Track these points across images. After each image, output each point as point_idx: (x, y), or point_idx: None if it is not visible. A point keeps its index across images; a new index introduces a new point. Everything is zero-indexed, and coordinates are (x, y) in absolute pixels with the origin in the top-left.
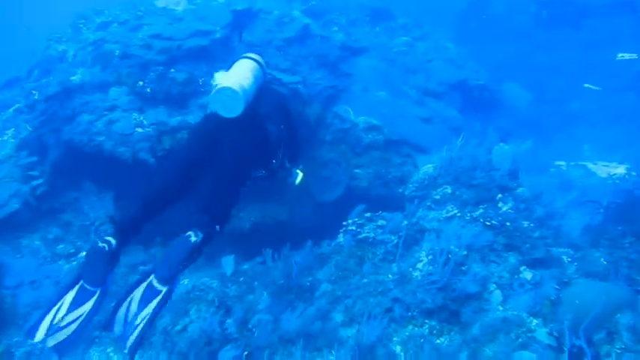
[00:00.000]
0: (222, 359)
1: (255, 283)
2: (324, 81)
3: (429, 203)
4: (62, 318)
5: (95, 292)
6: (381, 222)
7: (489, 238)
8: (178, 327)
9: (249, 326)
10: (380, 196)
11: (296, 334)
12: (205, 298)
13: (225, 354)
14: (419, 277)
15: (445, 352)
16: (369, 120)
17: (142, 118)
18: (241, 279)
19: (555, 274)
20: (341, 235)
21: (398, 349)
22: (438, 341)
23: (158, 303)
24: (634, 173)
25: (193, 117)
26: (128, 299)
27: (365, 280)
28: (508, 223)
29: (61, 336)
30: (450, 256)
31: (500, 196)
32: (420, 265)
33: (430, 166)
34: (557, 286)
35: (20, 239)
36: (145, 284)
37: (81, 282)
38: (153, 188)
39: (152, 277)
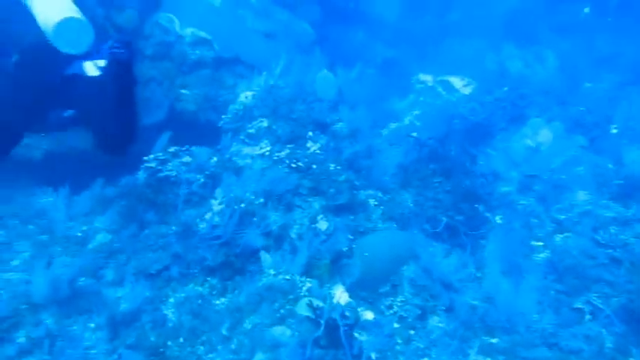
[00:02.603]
0: None
1: (18, 230)
2: None
3: (242, 137)
4: None
5: None
6: (186, 158)
7: (294, 181)
8: None
9: None
10: (211, 122)
11: (49, 299)
12: None
13: None
14: (204, 230)
15: (211, 320)
16: (197, 33)
17: None
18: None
19: (353, 222)
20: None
21: (169, 313)
22: (218, 302)
23: None
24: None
25: None
26: None
27: (146, 232)
28: (314, 166)
29: None
30: (238, 206)
31: (311, 134)
32: (208, 215)
33: (249, 93)
34: (350, 236)
35: None
36: None
37: None
38: None
39: None
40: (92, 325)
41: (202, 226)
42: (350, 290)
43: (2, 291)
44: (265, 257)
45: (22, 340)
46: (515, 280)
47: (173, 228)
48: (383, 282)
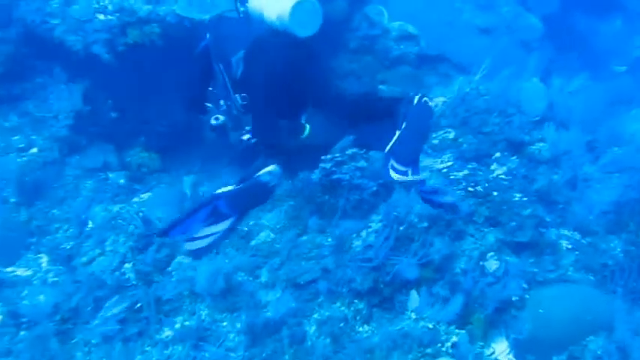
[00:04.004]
0: (107, 311)
1: None
2: None
3: (424, 147)
4: (198, 230)
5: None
6: (362, 163)
7: (467, 207)
8: (85, 258)
9: (170, 269)
10: None
11: (207, 290)
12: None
13: (109, 307)
14: (358, 248)
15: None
16: (404, 27)
17: (107, 1)
18: None
19: (533, 266)
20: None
21: (311, 330)
22: (361, 329)
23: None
24: None
25: (165, 9)
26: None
27: (305, 238)
28: (495, 193)
29: (196, 245)
30: (397, 227)
31: (498, 154)
32: (364, 233)
33: (440, 99)
34: (525, 285)
35: None
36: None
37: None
38: None
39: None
40: (238, 325)
41: (357, 243)
42: (514, 349)
43: (174, 273)
44: (413, 296)
45: (177, 326)
46: None
47: (329, 240)
48: (558, 350)
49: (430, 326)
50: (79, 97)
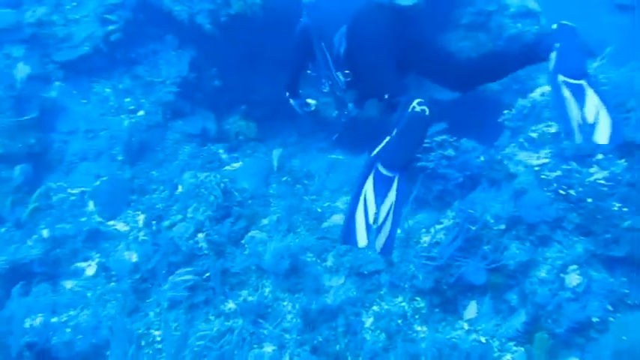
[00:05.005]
0: (176, 277)
1: (286, 187)
2: None
3: (521, 139)
4: (375, 217)
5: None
6: (450, 151)
7: (554, 212)
8: (167, 222)
9: (243, 242)
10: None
11: (273, 268)
12: (206, 198)
13: (179, 273)
14: (425, 245)
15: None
16: (525, 2)
17: None
18: (284, 178)
19: (623, 287)
20: None
21: (368, 322)
22: (419, 329)
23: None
24: None
25: None
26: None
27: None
28: (590, 200)
29: (383, 237)
30: (468, 227)
31: (600, 156)
32: (436, 228)
33: (546, 89)
34: (610, 307)
35: (94, 84)
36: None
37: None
38: None
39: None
40: (297, 306)
41: (424, 239)
42: None
43: (247, 246)
44: (471, 306)
45: (240, 300)
46: None
47: (398, 231)
48: None
49: (482, 340)
50: (186, 64)
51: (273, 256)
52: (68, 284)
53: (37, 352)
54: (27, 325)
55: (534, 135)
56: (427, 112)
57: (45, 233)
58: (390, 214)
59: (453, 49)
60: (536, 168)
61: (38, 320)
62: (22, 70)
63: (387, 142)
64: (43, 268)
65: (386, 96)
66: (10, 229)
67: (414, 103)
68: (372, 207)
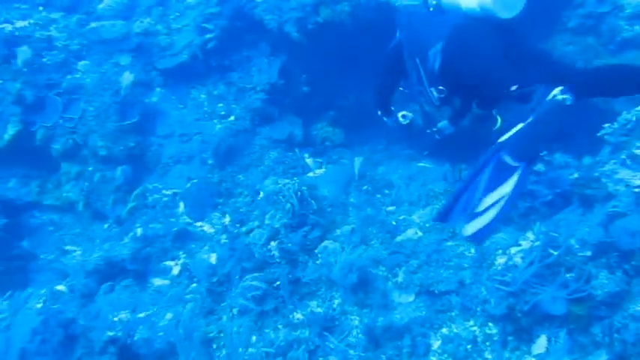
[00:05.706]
0: (246, 283)
1: (366, 196)
2: None
3: (623, 156)
4: (479, 202)
5: (517, 169)
6: (539, 166)
7: None
8: (245, 228)
9: (316, 252)
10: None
11: (341, 280)
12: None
13: (245, 282)
14: (499, 268)
15: None
16: None
17: None
18: (365, 187)
19: None
20: None
21: (435, 344)
22: (489, 357)
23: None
24: None
25: None
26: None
27: (449, 244)
28: None
29: (479, 224)
30: (548, 252)
31: None
32: (514, 250)
33: None
34: None
35: (191, 90)
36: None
37: (500, 155)
38: None
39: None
40: (365, 321)
41: (499, 261)
42: None
43: (320, 255)
44: (541, 340)
45: (308, 310)
46: None
47: (472, 251)
48: None
49: None
50: (276, 71)
51: (341, 269)
52: (156, 282)
53: (120, 347)
54: (112, 320)
55: (639, 152)
56: (569, 102)
57: (139, 232)
58: (498, 205)
59: (557, 54)
60: (637, 190)
61: (122, 316)
62: (127, 78)
63: (518, 130)
64: (134, 265)
65: (513, 88)
66: (111, 226)
67: (556, 91)
68: (480, 192)
